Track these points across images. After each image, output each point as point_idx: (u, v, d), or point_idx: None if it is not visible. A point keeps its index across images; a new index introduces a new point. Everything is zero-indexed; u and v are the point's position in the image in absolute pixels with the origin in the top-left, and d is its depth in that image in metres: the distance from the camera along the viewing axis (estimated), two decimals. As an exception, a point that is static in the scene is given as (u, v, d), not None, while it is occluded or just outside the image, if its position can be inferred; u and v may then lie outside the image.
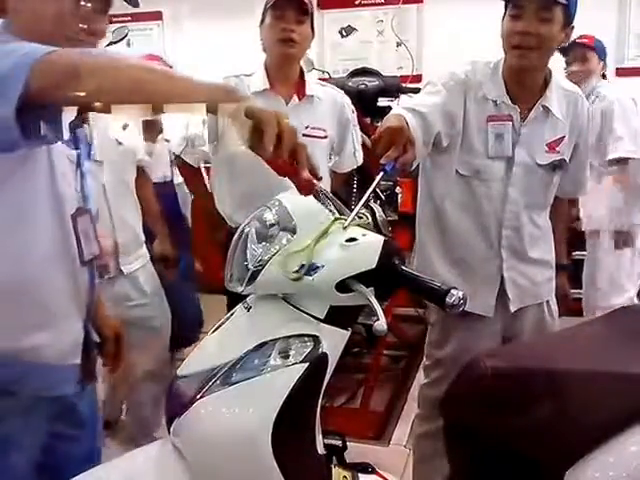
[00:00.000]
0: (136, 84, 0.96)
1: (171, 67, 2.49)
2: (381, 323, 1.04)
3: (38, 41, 1.03)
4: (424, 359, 2.09)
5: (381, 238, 1.12)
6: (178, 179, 2.70)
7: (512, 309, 1.94)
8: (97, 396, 1.45)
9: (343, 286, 1.08)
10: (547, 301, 2.02)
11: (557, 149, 1.88)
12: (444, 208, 1.93)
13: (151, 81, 0.96)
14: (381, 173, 1.37)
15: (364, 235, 1.13)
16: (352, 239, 1.11)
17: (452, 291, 1.07)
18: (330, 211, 1.19)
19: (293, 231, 1.13)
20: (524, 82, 1.84)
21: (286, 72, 2.26)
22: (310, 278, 1.08)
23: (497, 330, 1.95)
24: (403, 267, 1.12)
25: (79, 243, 1.26)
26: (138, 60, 0.99)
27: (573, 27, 1.81)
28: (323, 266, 1.09)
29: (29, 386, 1.21)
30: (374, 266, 1.08)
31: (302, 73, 2.30)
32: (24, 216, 1.17)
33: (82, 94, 0.95)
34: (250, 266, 1.13)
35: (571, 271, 2.16)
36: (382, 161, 1.41)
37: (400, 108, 1.74)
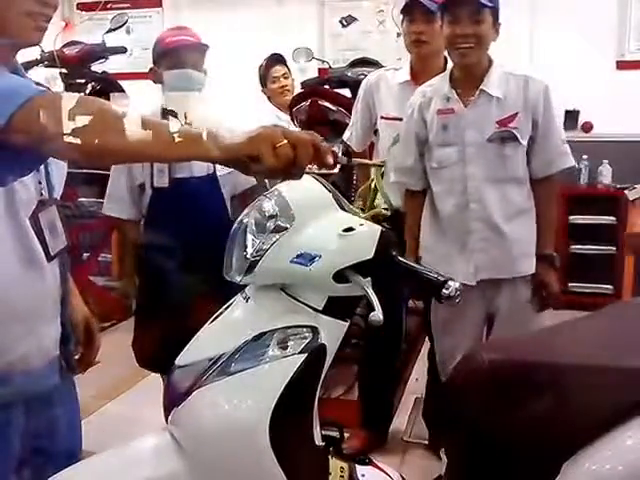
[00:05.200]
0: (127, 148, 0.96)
1: (205, 45, 2.32)
2: (377, 314, 1.04)
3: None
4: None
5: (378, 228, 1.12)
6: (223, 170, 2.45)
7: (478, 277, 2.09)
8: (76, 390, 1.40)
9: (340, 276, 1.08)
10: (524, 276, 2.11)
11: (510, 125, 2.06)
12: (430, 195, 2.21)
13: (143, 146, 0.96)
14: None
15: (361, 225, 1.13)
16: (349, 229, 1.11)
17: (449, 282, 1.07)
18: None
19: (292, 220, 1.13)
20: (467, 76, 2.09)
21: (427, 66, 2.47)
22: (307, 268, 1.08)
23: (480, 302, 2.13)
24: (400, 258, 1.12)
25: (43, 240, 1.20)
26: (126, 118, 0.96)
27: (500, 24, 2.06)
28: (320, 256, 1.08)
29: (11, 388, 1.19)
30: (371, 256, 1.08)
31: (445, 64, 2.46)
32: None
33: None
34: (249, 256, 1.13)
35: (553, 262, 2.15)
36: None
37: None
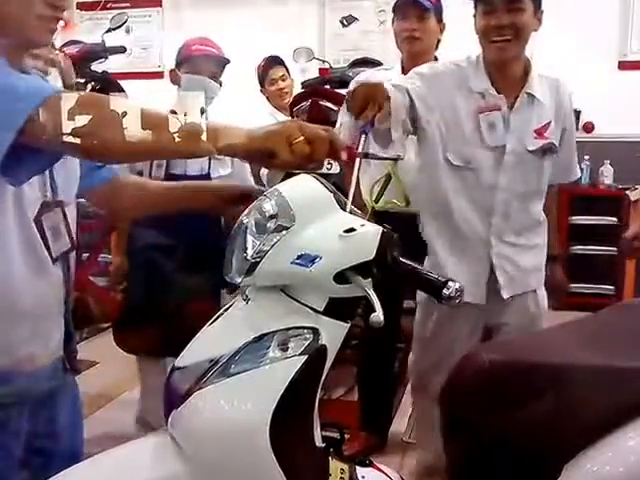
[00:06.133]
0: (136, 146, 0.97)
1: (226, 59, 2.43)
2: (378, 315, 1.04)
3: (8, 23, 1.07)
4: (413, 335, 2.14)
5: (379, 228, 1.11)
6: (217, 173, 2.53)
7: (505, 296, 1.93)
8: (78, 390, 1.41)
9: (341, 277, 1.08)
10: (534, 290, 2.02)
11: (545, 134, 1.91)
12: (439, 194, 1.95)
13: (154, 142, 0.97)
14: (362, 136, 1.34)
15: (362, 225, 1.12)
16: (350, 229, 1.10)
17: (449, 283, 1.06)
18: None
19: (292, 220, 1.12)
20: (506, 73, 1.88)
21: (418, 64, 2.36)
22: (308, 269, 1.07)
23: (479, 315, 1.96)
24: (401, 259, 1.12)
25: (46, 242, 1.21)
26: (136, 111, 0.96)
27: (542, 10, 1.85)
28: (321, 257, 1.08)
29: (16, 388, 1.20)
30: (373, 257, 1.07)
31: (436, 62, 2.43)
32: None
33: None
34: (249, 257, 1.13)
35: (565, 262, 2.18)
36: (360, 121, 1.42)
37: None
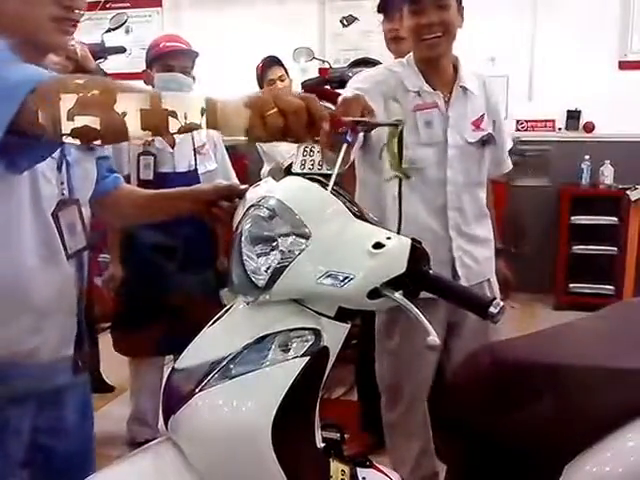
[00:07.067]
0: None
1: (192, 49, 2.50)
2: (433, 338, 1.02)
3: (22, 25, 1.08)
4: (376, 346, 2.09)
5: (408, 240, 1.10)
6: (204, 168, 2.57)
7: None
8: (89, 390, 1.43)
9: (373, 292, 1.06)
10: (488, 279, 2.05)
11: (482, 126, 1.98)
12: (385, 204, 1.88)
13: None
14: (344, 145, 1.23)
15: (388, 238, 1.09)
16: (378, 244, 1.07)
17: (495, 301, 1.06)
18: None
19: (295, 227, 1.07)
20: (438, 69, 1.94)
21: None
22: (339, 288, 1.05)
23: (443, 314, 1.94)
24: (432, 272, 1.10)
25: (62, 239, 1.22)
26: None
27: (464, 7, 1.93)
28: (353, 276, 1.05)
29: (20, 383, 1.20)
30: (404, 270, 1.06)
31: None
32: (7, 224, 1.14)
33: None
34: (253, 278, 1.08)
35: (506, 255, 2.19)
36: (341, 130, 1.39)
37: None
